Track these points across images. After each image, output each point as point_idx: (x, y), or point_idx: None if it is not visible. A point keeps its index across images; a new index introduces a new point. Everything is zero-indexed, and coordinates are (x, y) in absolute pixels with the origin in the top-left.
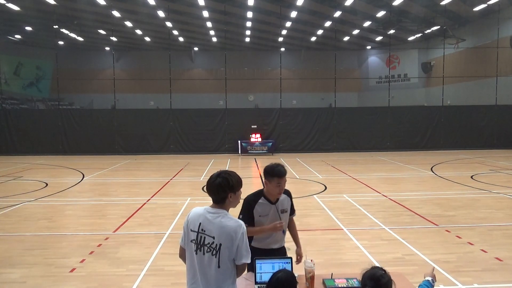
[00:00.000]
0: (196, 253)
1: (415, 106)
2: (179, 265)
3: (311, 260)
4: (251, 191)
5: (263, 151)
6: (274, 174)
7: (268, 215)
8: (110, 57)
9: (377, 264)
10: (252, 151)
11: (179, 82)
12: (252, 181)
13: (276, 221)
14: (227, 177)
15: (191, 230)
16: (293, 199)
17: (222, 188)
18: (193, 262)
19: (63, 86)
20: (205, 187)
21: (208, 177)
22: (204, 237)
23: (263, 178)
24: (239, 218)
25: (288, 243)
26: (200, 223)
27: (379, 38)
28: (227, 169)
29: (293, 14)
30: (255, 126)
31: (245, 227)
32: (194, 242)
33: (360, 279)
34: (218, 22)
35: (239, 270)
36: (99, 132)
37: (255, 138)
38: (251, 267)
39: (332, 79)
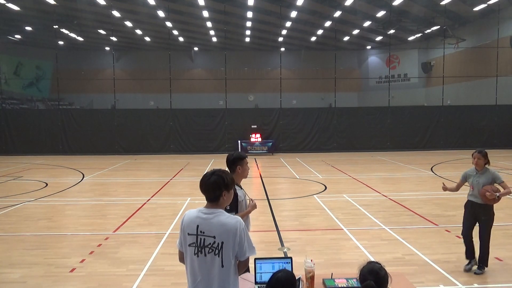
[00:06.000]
0: (198, 256)
1: (415, 106)
2: (179, 265)
3: (311, 260)
4: (251, 191)
5: (263, 151)
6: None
7: (244, 199)
8: (110, 57)
9: None
10: (252, 151)
11: (179, 82)
12: (252, 181)
13: (249, 204)
14: (222, 175)
15: (189, 234)
16: (293, 199)
17: (217, 185)
18: (194, 265)
19: (63, 86)
20: None
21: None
22: (204, 239)
23: (236, 167)
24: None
25: (288, 243)
26: (198, 226)
27: (379, 38)
28: (226, 169)
29: (293, 14)
30: (255, 126)
31: (243, 222)
32: (193, 245)
33: (358, 275)
34: (218, 22)
35: (242, 266)
36: (99, 132)
37: (255, 138)
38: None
39: (332, 79)
